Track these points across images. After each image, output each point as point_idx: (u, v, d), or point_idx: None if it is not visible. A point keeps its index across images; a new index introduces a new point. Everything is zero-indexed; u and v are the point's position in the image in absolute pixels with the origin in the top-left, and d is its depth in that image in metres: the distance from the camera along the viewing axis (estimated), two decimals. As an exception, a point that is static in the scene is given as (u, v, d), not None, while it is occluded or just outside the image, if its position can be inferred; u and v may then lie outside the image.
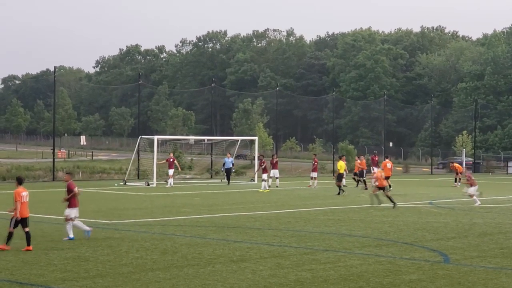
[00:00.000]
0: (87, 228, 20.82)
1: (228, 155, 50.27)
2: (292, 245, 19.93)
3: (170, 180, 45.52)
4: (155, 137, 49.16)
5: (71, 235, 20.36)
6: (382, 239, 21.44)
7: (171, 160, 46.08)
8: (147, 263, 16.78)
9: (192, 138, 61.96)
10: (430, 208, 32.28)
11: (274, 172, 45.66)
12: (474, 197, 33.21)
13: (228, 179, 48.81)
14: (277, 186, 45.02)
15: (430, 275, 15.76)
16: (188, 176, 55.33)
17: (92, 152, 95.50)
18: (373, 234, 22.54)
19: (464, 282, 15.00)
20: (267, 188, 42.65)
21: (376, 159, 50.07)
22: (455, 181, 50.02)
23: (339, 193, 38.94)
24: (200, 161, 63.23)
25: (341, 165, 41.05)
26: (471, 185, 33.74)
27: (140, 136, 51.87)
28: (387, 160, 44.09)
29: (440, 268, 16.64)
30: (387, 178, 40.97)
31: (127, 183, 47.25)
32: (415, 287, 14.41)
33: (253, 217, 27.21)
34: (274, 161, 46.32)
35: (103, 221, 25.27)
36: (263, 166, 43.37)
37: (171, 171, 45.82)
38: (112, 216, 26.74)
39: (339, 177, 40.42)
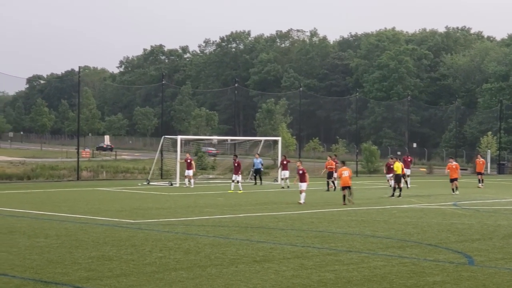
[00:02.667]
0: None
1: (257, 155, 50.28)
2: (315, 245, 19.90)
3: (192, 181, 45.44)
4: (179, 137, 49.27)
5: None
6: (406, 240, 21.35)
7: (188, 160, 45.83)
8: (170, 262, 16.83)
9: (215, 138, 62.07)
10: (455, 209, 32.10)
11: (284, 173, 45.69)
12: None
13: (260, 179, 48.97)
14: (288, 187, 44.63)
15: (454, 277, 15.66)
16: (211, 176, 55.44)
17: (115, 152, 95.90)
18: (396, 235, 22.45)
19: (489, 284, 14.89)
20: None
21: (409, 160, 49.66)
22: (479, 182, 49.60)
23: (393, 195, 38.04)
24: (223, 161, 63.30)
25: (398, 166, 39.10)
26: None
27: (163, 136, 52.03)
28: (451, 160, 44.95)
29: (464, 270, 16.54)
30: (454, 180, 42.41)
31: (150, 183, 47.43)
32: (439, 289, 14.34)
33: (276, 218, 27.21)
34: (284, 162, 46.26)
35: (127, 220, 25.38)
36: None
37: (188, 172, 45.50)
38: (135, 216, 26.85)
39: (397, 178, 38.78)
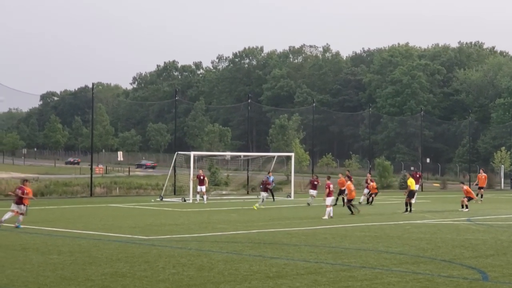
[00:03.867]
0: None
1: (270, 173, 50.32)
2: (328, 261, 19.85)
3: (204, 197, 45.32)
4: (192, 153, 49.32)
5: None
6: (420, 256, 21.27)
7: (201, 177, 45.76)
8: (183, 279, 16.82)
9: (228, 154, 62.09)
10: (469, 224, 31.97)
11: (312, 192, 45.08)
12: None
13: (272, 195, 48.81)
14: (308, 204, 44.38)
15: (468, 293, 15.60)
16: (224, 192, 55.48)
17: (129, 168, 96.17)
18: (410, 251, 22.36)
19: (503, 300, 14.82)
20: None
21: (418, 176, 49.28)
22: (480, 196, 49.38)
23: (406, 210, 37.94)
24: (236, 177, 63.31)
25: (412, 182, 39.04)
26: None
27: (176, 152, 52.13)
28: (481, 171, 49.59)
29: (478, 286, 16.45)
30: (481, 188, 46.98)
31: (163, 199, 47.48)
32: (453, 305, 14.26)
33: (290, 233, 27.16)
34: (315, 183, 45.31)
35: (140, 236, 25.41)
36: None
37: (201, 188, 45.38)
38: (149, 232, 26.87)
39: (411, 194, 38.68)
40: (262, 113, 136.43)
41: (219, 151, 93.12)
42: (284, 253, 21.56)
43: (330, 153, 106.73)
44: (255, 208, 40.20)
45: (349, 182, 39.06)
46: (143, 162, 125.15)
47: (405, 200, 38.69)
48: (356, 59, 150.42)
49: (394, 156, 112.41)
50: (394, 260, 20.31)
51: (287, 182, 57.93)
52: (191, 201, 46.00)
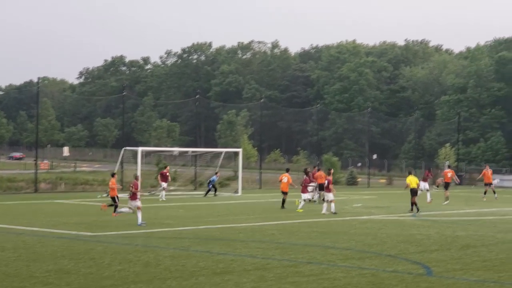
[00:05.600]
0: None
1: (218, 174, 50.47)
2: (275, 257, 19.90)
3: (163, 193, 44.76)
4: (139, 149, 48.93)
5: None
6: (366, 251, 21.46)
7: (167, 173, 45.46)
8: (129, 275, 16.69)
9: (176, 149, 61.75)
10: (413, 220, 32.36)
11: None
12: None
13: (215, 190, 48.90)
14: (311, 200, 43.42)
15: (412, 287, 15.77)
16: (172, 188, 55.17)
17: (75, 163, 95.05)
18: (356, 246, 22.55)
19: (447, 294, 15.02)
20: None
21: (427, 175, 48.24)
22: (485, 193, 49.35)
23: (412, 210, 36.46)
24: (184, 172, 63.05)
25: (411, 180, 37.38)
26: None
27: (124, 148, 51.66)
28: (487, 167, 50.25)
29: (422, 280, 16.66)
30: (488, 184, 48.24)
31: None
32: (398, 300, 14.41)
33: (237, 229, 27.19)
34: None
35: (86, 233, 25.15)
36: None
37: (164, 184, 44.99)
38: (95, 228, 26.60)
39: (413, 192, 36.95)
40: (210, 109, 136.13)
41: (167, 146, 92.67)
42: (231, 249, 21.55)
43: (278, 149, 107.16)
44: (300, 211, 36.53)
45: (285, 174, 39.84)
46: (12, 154, 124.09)
47: (410, 200, 36.94)
48: (305, 55, 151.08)
49: (342, 152, 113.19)
50: (340, 256, 20.46)
51: (235, 178, 57.89)
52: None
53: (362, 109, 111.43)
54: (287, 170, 41.06)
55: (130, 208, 29.45)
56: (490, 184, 49.89)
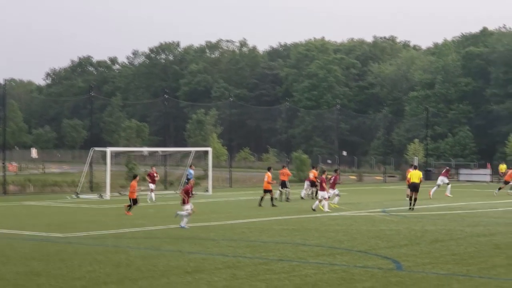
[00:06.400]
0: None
1: (192, 166, 50.13)
2: (246, 255, 19.94)
3: (152, 194, 42.93)
4: (108, 149, 48.68)
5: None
6: (336, 247, 21.57)
7: (155, 174, 44.55)
8: (100, 276, 16.63)
9: (146, 149, 61.52)
10: (383, 216, 32.58)
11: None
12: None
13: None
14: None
15: (383, 282, 15.90)
16: (142, 188, 54.91)
17: (43, 165, 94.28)
18: (327, 243, 22.66)
19: (417, 288, 15.16)
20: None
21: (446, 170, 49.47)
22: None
23: (410, 205, 35.98)
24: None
25: (413, 174, 36.67)
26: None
27: (92, 148, 51.33)
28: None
29: (393, 275, 16.80)
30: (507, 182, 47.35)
31: (80, 196, 46.77)
32: (368, 295, 14.52)
33: (208, 228, 27.19)
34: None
35: (56, 234, 24.99)
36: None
37: (152, 185, 43.46)
38: (64, 229, 26.43)
39: (412, 187, 36.39)
40: (179, 108, 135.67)
41: (136, 147, 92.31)
42: (203, 248, 21.56)
43: (248, 147, 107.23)
44: (337, 206, 36.95)
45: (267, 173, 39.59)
46: None
47: (409, 195, 36.47)
48: (273, 53, 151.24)
49: (312, 150, 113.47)
50: (311, 253, 20.55)
51: (205, 177, 57.81)
52: (108, 197, 45.42)
53: (331, 106, 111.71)
54: (269, 169, 41.11)
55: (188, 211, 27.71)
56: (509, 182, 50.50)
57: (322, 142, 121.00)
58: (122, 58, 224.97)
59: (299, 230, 26.29)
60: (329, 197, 36.01)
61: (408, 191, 37.03)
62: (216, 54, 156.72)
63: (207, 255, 19.86)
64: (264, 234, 25.01)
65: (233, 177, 63.83)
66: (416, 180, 36.12)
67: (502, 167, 71.02)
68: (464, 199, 43.67)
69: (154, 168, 45.66)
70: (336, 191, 38.37)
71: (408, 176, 37.56)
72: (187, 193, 27.65)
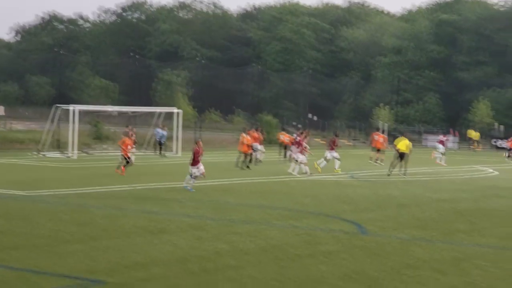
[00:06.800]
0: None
1: (165, 128, 49.90)
2: (212, 217, 19.93)
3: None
4: (71, 107, 47.90)
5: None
6: (302, 211, 21.63)
7: (131, 134, 43.60)
8: (64, 235, 16.52)
9: (114, 108, 61.09)
10: (350, 180, 32.73)
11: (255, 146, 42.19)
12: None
13: (161, 150, 48.78)
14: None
15: (347, 246, 15.98)
16: (108, 147, 54.60)
17: (10, 122, 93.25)
18: (293, 206, 22.71)
19: (380, 252, 15.26)
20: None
21: (445, 139, 48.78)
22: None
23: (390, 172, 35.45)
24: (121, 132, 62.39)
25: (400, 143, 36.11)
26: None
27: (55, 105, 50.55)
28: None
29: (357, 239, 16.90)
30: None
31: (45, 154, 46.34)
32: (332, 258, 14.58)
33: (175, 189, 27.11)
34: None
35: (19, 192, 24.75)
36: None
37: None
38: (28, 187, 26.18)
39: (400, 156, 35.67)
40: (148, 68, 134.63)
41: (104, 105, 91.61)
42: (168, 208, 21.52)
43: (218, 110, 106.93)
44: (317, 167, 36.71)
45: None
46: None
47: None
48: (245, 16, 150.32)
49: (280, 113, 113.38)
50: (277, 215, 20.60)
51: (173, 138, 57.60)
52: (75, 156, 45.04)
53: (301, 70, 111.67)
54: (244, 130, 41.32)
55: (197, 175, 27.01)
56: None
57: (292, 105, 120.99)
58: (91, 16, 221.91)
59: (265, 193, 26.32)
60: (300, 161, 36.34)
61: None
62: (188, 14, 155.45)
63: (172, 216, 19.82)
64: (231, 196, 25.01)
65: (202, 139, 63.64)
66: (404, 149, 35.47)
67: (471, 132, 71.80)
68: (430, 165, 43.95)
69: (130, 127, 45.11)
70: (336, 154, 38.04)
71: (395, 143, 37.13)
72: (196, 155, 26.94)
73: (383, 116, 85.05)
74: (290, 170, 34.69)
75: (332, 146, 38.23)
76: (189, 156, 27.52)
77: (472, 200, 25.38)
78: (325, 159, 37.65)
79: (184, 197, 24.27)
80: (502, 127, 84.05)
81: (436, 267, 13.92)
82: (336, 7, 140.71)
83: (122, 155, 34.04)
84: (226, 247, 15.50)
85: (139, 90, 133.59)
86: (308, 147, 37.70)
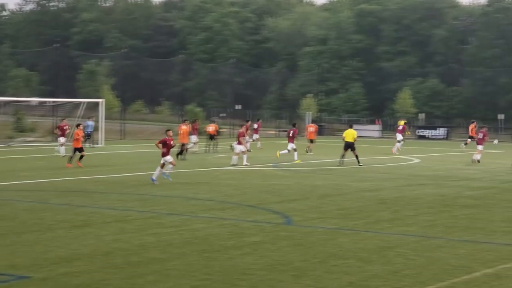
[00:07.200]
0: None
1: (93, 118, 49.38)
2: (136, 209, 19.76)
3: (62, 148, 40.04)
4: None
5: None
6: (227, 202, 21.63)
7: (66, 127, 42.64)
8: (-17, 230, 16.15)
9: (35, 99, 60.04)
10: (275, 170, 32.88)
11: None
12: None
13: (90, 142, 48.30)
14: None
15: (272, 236, 16.04)
16: (30, 139, 53.66)
17: None
18: (218, 197, 22.70)
19: (304, 242, 15.37)
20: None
21: (402, 128, 49.10)
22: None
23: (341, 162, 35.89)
24: (43, 123, 61.41)
25: (347, 133, 36.45)
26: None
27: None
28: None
29: (281, 229, 16.97)
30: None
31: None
32: (257, 249, 14.62)
33: (98, 181, 26.79)
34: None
35: None
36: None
37: (62, 139, 40.70)
38: None
39: (346, 146, 35.90)
40: (70, 58, 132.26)
41: (25, 96, 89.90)
42: (92, 201, 21.25)
43: (142, 100, 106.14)
44: (278, 155, 38.46)
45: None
46: None
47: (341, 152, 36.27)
48: (168, 4, 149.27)
49: (206, 103, 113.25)
50: (202, 206, 20.55)
51: (96, 128, 56.98)
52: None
53: (226, 60, 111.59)
54: (184, 122, 41.65)
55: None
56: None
57: (217, 95, 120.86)
58: (11, 5, 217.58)
59: (190, 184, 26.24)
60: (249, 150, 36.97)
61: (344, 151, 36.60)
62: (110, 3, 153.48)
63: (96, 209, 19.58)
64: (155, 188, 24.83)
65: (126, 130, 63.16)
66: (350, 139, 35.98)
67: (402, 123, 72.90)
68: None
69: (65, 121, 44.07)
70: (293, 145, 39.47)
71: (344, 134, 37.33)
72: (166, 145, 26.81)
73: (308, 106, 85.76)
74: (235, 162, 34.60)
75: (289, 137, 39.98)
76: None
77: (395, 189, 25.79)
78: (289, 150, 39.17)
79: (108, 189, 24.01)
80: (423, 115, 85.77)
81: (361, 256, 14.10)
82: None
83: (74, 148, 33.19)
84: (151, 240, 15.38)
85: (62, 81, 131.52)
86: (250, 139, 38.95)
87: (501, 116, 77.86)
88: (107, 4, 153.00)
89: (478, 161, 38.13)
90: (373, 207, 20.92)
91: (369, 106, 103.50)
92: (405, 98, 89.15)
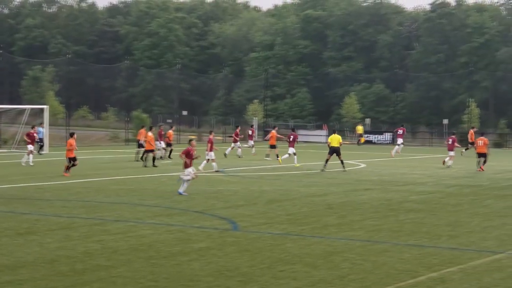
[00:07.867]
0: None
1: (42, 125, 48.90)
2: (81, 216, 19.55)
3: (31, 157, 38.60)
4: None
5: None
6: (174, 208, 21.53)
7: (35, 135, 41.55)
8: None
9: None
10: (221, 176, 32.83)
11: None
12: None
13: (41, 147, 47.79)
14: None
15: (219, 242, 16.01)
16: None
17: None
18: (164, 203, 22.58)
19: (252, 248, 15.36)
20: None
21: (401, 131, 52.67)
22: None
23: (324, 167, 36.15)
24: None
25: (332, 138, 36.76)
26: None
27: None
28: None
29: (228, 235, 16.95)
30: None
31: None
32: (204, 255, 14.56)
33: (42, 188, 26.43)
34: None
35: None
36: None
37: (31, 147, 39.27)
38: None
39: (331, 150, 36.19)
40: (14, 64, 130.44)
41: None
42: (36, 208, 20.96)
43: (87, 106, 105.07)
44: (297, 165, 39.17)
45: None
46: None
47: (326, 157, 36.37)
48: (113, 10, 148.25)
49: (152, 109, 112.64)
50: (148, 213, 20.42)
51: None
52: None
53: (172, 66, 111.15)
54: (142, 127, 42.89)
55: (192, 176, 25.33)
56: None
57: (163, 101, 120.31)
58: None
59: (137, 190, 26.05)
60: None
61: (329, 156, 36.50)
62: (54, 8, 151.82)
63: (41, 216, 19.32)
64: (101, 194, 24.60)
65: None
66: (336, 144, 36.26)
67: (359, 128, 73.77)
68: (301, 160, 44.65)
69: (35, 128, 43.11)
70: (293, 149, 40.85)
71: (329, 140, 37.54)
72: (189, 156, 25.10)
73: (255, 111, 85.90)
74: (216, 168, 34.71)
75: (290, 142, 41.52)
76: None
77: (342, 194, 25.96)
78: (289, 155, 40.48)
79: (53, 196, 23.71)
80: (369, 120, 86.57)
81: (308, 261, 14.14)
82: (204, 2, 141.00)
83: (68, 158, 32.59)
84: (96, 247, 15.22)
85: (6, 87, 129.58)
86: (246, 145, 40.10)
87: (445, 121, 78.99)
88: (51, 10, 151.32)
89: (448, 166, 39.02)
90: (320, 212, 21.01)
91: (316, 111, 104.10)
92: (351, 103, 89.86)
